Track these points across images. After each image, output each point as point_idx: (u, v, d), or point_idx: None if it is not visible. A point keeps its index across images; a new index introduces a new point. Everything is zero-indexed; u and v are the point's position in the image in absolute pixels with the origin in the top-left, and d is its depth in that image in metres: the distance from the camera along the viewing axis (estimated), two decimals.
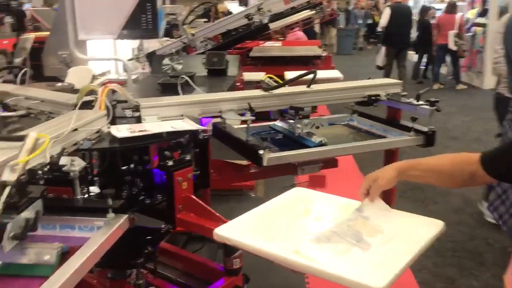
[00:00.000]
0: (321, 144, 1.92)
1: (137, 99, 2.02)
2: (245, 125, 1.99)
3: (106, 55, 4.15)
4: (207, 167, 2.04)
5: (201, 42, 4.13)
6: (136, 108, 1.95)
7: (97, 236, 1.34)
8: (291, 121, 2.05)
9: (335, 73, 4.82)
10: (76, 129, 1.59)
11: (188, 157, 1.78)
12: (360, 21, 18.54)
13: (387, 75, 9.17)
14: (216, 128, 2.15)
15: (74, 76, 3.35)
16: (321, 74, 4.73)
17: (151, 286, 2.12)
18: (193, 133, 1.90)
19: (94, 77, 3.77)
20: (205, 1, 5.44)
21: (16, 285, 1.18)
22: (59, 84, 2.86)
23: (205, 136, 1.98)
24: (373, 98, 2.33)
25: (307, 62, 5.86)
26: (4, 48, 7.43)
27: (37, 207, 1.29)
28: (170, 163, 1.72)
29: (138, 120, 1.94)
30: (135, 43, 3.80)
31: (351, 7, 19.23)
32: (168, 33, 6.44)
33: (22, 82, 2.41)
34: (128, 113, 1.97)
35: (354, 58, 15.02)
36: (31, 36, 7.23)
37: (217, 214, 1.69)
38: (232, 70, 3.08)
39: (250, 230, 1.36)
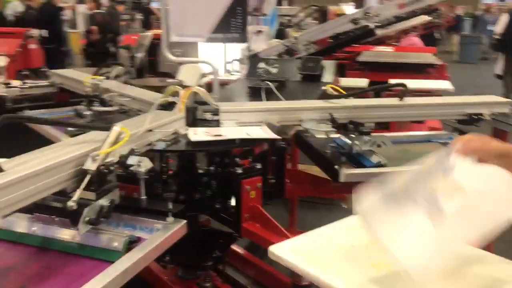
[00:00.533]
0: (379, 165, 1.76)
1: (219, 102, 2.03)
2: (324, 136, 1.90)
3: (216, 56, 4.26)
4: (282, 176, 1.98)
5: (303, 45, 4.07)
6: (216, 112, 1.96)
7: (154, 238, 1.35)
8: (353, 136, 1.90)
9: (444, 84, 4.44)
10: (151, 130, 1.64)
11: (258, 166, 1.74)
12: (491, 28, 17.15)
13: (506, 85, 8.37)
14: (298, 136, 2.09)
15: (185, 74, 3.47)
16: (427, 84, 4.45)
17: None
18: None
19: (203, 76, 3.89)
20: (314, 4, 5.35)
21: (88, 265, 1.26)
22: (170, 80, 2.97)
23: (282, 144, 1.92)
24: (474, 117, 2.10)
25: (418, 70, 5.48)
26: (129, 43, 7.97)
27: (113, 196, 1.36)
28: (239, 170, 1.69)
29: (217, 124, 1.94)
30: (243, 44, 3.85)
31: (480, 13, 17.86)
32: (281, 35, 6.42)
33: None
34: (208, 116, 1.98)
35: (478, 67, 13.91)
36: (149, 33, 7.68)
37: (282, 229, 1.63)
38: (327, 77, 2.98)
39: (309, 253, 1.28)
